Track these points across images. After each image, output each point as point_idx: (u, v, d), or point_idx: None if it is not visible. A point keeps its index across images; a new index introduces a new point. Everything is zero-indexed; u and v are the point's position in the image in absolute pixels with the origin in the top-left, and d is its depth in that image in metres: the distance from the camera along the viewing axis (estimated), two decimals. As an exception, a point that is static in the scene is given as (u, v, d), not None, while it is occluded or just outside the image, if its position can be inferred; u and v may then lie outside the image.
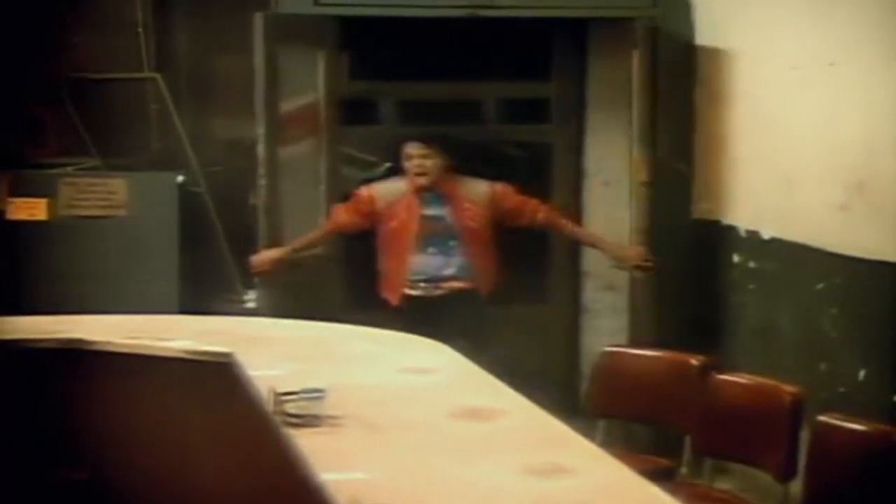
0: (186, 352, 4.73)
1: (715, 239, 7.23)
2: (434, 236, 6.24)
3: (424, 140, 6.24)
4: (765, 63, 6.77)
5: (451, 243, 6.24)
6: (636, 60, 7.03)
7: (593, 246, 6.66)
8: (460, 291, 6.25)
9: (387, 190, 6.37)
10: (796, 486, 4.30)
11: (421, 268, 6.25)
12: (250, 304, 6.85)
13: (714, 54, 7.28)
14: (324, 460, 3.21)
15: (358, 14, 6.75)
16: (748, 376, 4.69)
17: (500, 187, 6.34)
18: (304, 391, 3.62)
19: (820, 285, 6.31)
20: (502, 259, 6.41)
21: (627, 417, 5.21)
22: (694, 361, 4.98)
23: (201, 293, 6.65)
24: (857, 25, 5.94)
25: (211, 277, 6.87)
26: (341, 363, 4.61)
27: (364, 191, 6.42)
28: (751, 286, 6.95)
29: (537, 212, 6.41)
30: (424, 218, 6.23)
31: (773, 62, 6.68)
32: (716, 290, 7.25)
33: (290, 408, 3.57)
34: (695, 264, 7.37)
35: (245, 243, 6.86)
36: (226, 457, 4.53)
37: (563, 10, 7.14)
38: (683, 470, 4.91)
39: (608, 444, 4.39)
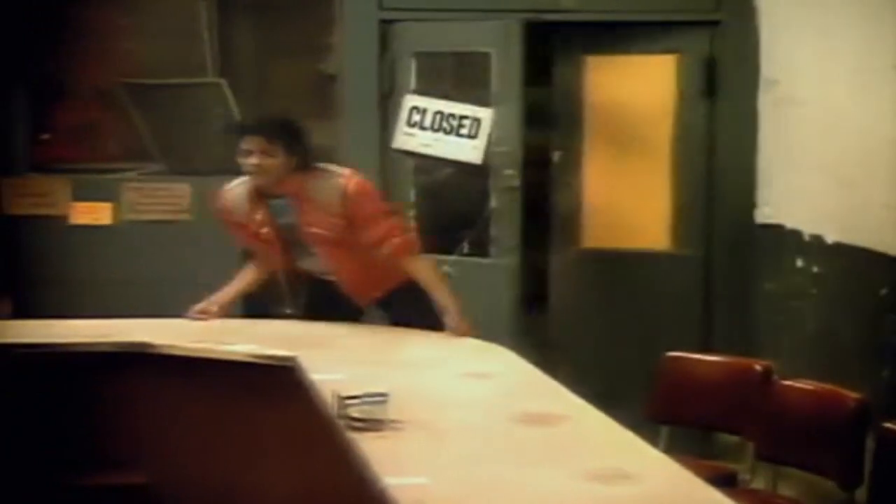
0: (251, 355, 4.77)
1: (778, 243, 7.18)
2: (297, 243, 5.31)
3: (267, 133, 5.07)
4: (828, 66, 6.71)
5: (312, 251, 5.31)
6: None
7: (440, 308, 5.24)
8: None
9: (236, 195, 5.32)
10: (861, 494, 4.27)
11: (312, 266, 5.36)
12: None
13: (778, 56, 7.25)
14: (386, 465, 3.22)
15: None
16: (811, 382, 4.65)
17: (353, 185, 5.11)
18: (367, 395, 3.63)
19: (884, 290, 6.23)
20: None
21: (690, 424, 5.17)
22: (757, 367, 4.96)
23: (263, 298, 6.69)
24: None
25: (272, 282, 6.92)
26: (403, 367, 4.63)
27: (219, 201, 5.43)
28: (814, 290, 6.89)
29: (387, 239, 5.14)
30: (283, 227, 5.26)
31: (837, 65, 6.63)
32: (779, 295, 7.20)
33: (354, 412, 3.59)
34: (758, 268, 7.37)
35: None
36: (289, 461, 4.57)
37: (631, 13, 7.29)
38: (746, 476, 4.89)
39: (672, 450, 4.33)
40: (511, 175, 7.09)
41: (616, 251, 7.40)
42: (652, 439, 4.01)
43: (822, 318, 6.78)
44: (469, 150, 7.18)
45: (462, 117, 7.21)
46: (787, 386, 4.74)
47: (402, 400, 3.75)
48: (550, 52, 7.40)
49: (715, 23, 7.32)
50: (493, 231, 7.26)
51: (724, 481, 4.30)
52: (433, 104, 7.24)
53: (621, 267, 7.32)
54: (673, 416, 5.06)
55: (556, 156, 7.38)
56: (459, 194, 7.45)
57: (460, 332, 5.05)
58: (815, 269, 6.85)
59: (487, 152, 7.15)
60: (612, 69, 7.47)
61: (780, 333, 7.01)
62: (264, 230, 5.23)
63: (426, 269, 5.23)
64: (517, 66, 7.11)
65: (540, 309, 7.34)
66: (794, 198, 7.16)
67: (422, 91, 7.28)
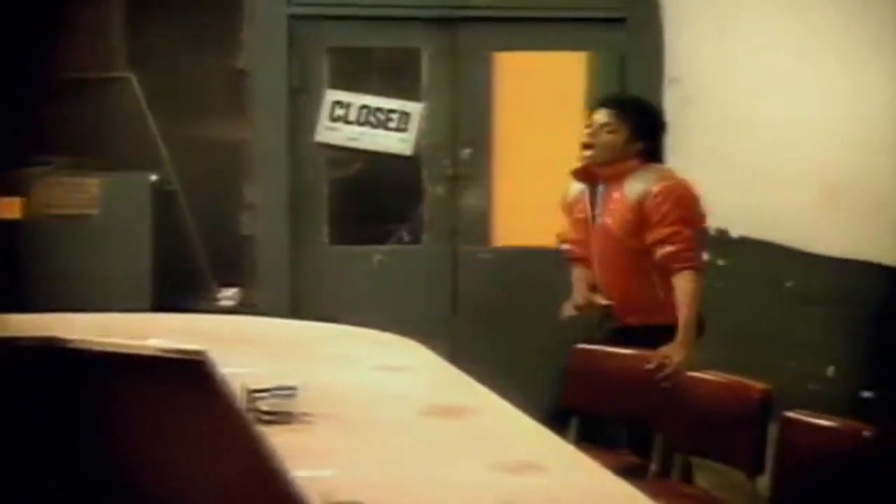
0: (159, 350, 4.71)
1: None
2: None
3: (614, 106, 4.89)
4: (733, 63, 6.78)
5: None
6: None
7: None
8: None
9: (575, 188, 5.15)
10: (765, 482, 4.30)
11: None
12: (226, 303, 6.84)
13: (680, 54, 7.30)
14: (295, 457, 3.18)
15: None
16: (718, 374, 4.67)
17: (661, 186, 4.80)
18: (276, 389, 3.61)
19: (789, 283, 6.37)
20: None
21: (600, 416, 5.16)
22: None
23: (176, 292, 6.63)
24: (831, 25, 6.03)
25: (185, 276, 6.86)
26: (317, 362, 4.62)
27: (564, 192, 5.29)
28: (719, 284, 6.84)
29: (667, 242, 4.81)
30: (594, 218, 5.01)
31: (743, 62, 6.70)
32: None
33: (262, 405, 3.58)
34: None
35: (223, 243, 6.87)
36: (199, 455, 4.53)
37: (540, 10, 7.34)
38: (654, 467, 4.87)
39: (581, 441, 4.45)
40: (446, 165, 7.25)
41: (526, 248, 7.40)
42: (563, 432, 4.13)
43: (730, 310, 6.77)
44: (398, 143, 7.26)
45: (390, 111, 7.29)
46: (695, 378, 4.75)
47: (313, 393, 3.74)
48: (460, 48, 7.47)
49: (622, 20, 7.36)
50: (427, 220, 7.39)
51: (633, 472, 4.30)
52: (358, 99, 7.27)
53: (532, 263, 7.32)
54: (583, 408, 5.05)
55: (464, 153, 7.33)
56: (393, 185, 7.57)
57: (674, 360, 4.72)
58: (721, 263, 6.89)
59: (419, 145, 7.27)
60: (522, 66, 7.48)
61: None
62: (580, 216, 5.07)
63: (690, 289, 4.80)
64: (448, 61, 7.30)
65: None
66: (699, 194, 7.10)
67: (339, 86, 7.29)
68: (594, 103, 4.90)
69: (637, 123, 4.75)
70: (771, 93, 6.53)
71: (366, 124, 7.29)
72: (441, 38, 7.30)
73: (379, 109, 7.29)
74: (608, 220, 4.78)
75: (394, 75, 7.54)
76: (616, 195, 4.77)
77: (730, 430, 4.51)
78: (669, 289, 4.79)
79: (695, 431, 4.68)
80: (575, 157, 5.11)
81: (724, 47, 6.92)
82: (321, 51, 7.24)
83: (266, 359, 4.45)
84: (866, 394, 5.82)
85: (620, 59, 7.45)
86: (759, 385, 4.51)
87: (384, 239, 7.47)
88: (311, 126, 7.17)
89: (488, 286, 7.28)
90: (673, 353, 4.68)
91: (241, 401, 3.67)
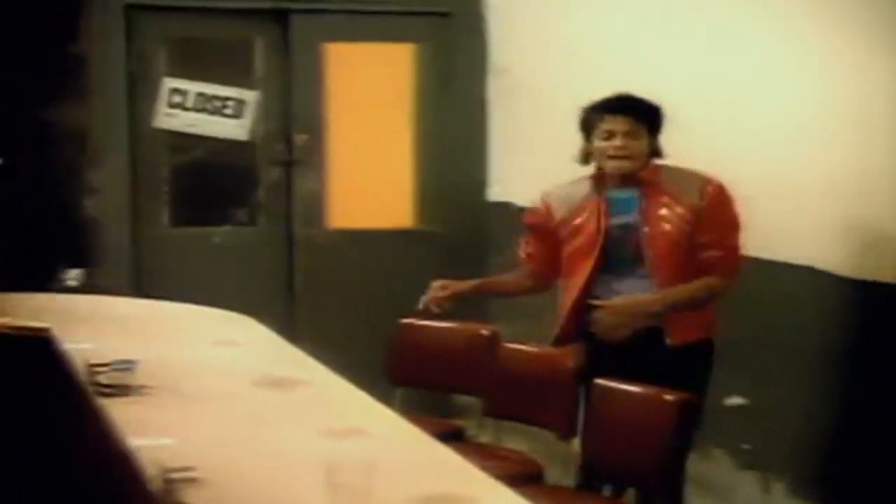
0: (6, 327, 4.72)
1: (509, 219, 7.17)
2: (628, 253, 4.37)
3: (635, 112, 4.34)
4: (554, 51, 6.84)
5: (644, 262, 4.36)
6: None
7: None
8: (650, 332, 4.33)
9: (565, 196, 4.54)
10: (575, 443, 4.50)
11: (616, 293, 4.41)
12: (71, 283, 6.81)
13: (505, 46, 7.37)
14: (133, 428, 3.28)
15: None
16: (534, 344, 4.81)
17: (717, 184, 4.32)
18: (115, 363, 3.65)
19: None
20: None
21: (424, 385, 5.24)
22: (484, 332, 5.10)
23: (21, 273, 6.59)
24: (651, 6, 6.17)
25: (31, 258, 6.81)
26: (156, 337, 4.67)
27: (539, 201, 4.66)
28: None
29: (716, 246, 4.33)
30: (616, 229, 4.37)
31: (562, 49, 6.78)
32: (511, 267, 7.23)
33: (102, 378, 3.62)
34: (491, 242, 7.48)
35: (69, 225, 6.84)
36: (45, 428, 4.55)
37: (368, 3, 7.37)
38: (473, 431, 5.03)
39: (408, 410, 4.41)
40: (281, 150, 7.32)
41: (362, 230, 7.50)
42: (390, 401, 4.22)
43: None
44: (234, 129, 7.28)
45: (226, 98, 7.27)
46: (512, 348, 4.85)
47: (152, 367, 3.83)
48: (292, 39, 7.55)
49: (447, 14, 7.47)
50: (264, 202, 7.44)
51: (452, 436, 4.49)
52: (195, 87, 7.26)
53: (368, 244, 7.44)
54: (408, 378, 5.14)
55: (299, 139, 7.41)
56: (230, 169, 7.56)
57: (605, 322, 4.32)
58: None
59: (254, 131, 7.30)
60: (352, 56, 7.55)
61: (515, 303, 7.08)
62: (587, 231, 4.40)
63: (713, 285, 4.33)
64: (280, 51, 7.34)
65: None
66: (521, 177, 7.28)
67: (176, 74, 7.27)
68: (603, 109, 4.37)
69: (652, 124, 4.33)
70: (588, 79, 6.39)
71: (203, 111, 7.28)
72: (274, 29, 7.34)
73: (215, 97, 7.29)
74: (666, 228, 4.25)
75: (229, 64, 7.52)
76: (664, 200, 4.26)
77: (544, 397, 4.63)
78: None
79: (512, 398, 4.78)
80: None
81: (545, 36, 6.99)
82: (159, 40, 7.24)
83: (108, 335, 4.48)
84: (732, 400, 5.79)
85: (446, 51, 7.56)
86: (672, 395, 4.57)
87: (222, 221, 7.49)
88: (150, 112, 7.17)
89: (323, 266, 7.37)
90: (643, 299, 4.29)
91: (83, 375, 3.72)
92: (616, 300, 4.30)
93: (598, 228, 4.35)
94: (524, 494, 3.00)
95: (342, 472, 2.70)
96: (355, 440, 3.30)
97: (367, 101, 7.56)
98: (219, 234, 7.37)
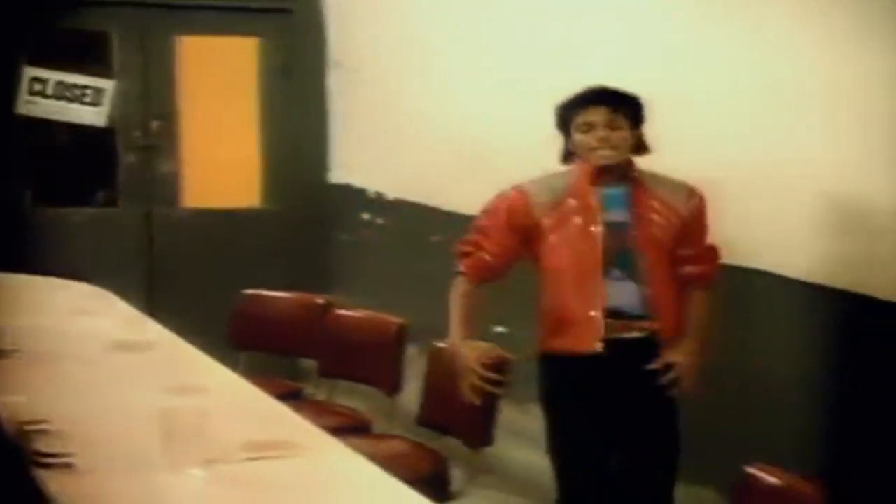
0: None
1: (349, 200, 7.48)
2: (619, 254, 3.75)
3: (612, 103, 3.77)
4: (387, 46, 6.99)
5: (635, 265, 3.75)
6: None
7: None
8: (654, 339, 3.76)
9: (545, 186, 3.85)
10: (402, 399, 4.69)
11: (612, 301, 3.73)
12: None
13: (345, 41, 7.50)
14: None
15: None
16: (363, 311, 4.98)
17: (700, 196, 3.83)
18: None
19: (435, 237, 6.58)
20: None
21: (266, 350, 5.32)
22: (319, 301, 5.22)
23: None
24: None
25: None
26: (20, 307, 4.74)
27: (512, 193, 3.87)
28: (379, 239, 7.24)
29: (704, 261, 3.86)
30: (608, 226, 3.75)
31: (394, 45, 6.91)
32: (352, 243, 7.50)
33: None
34: (333, 221, 7.62)
35: None
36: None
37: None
38: (310, 391, 5.19)
39: (253, 373, 4.54)
40: (138, 136, 7.36)
41: (213, 209, 7.56)
42: (235, 365, 4.38)
43: (384, 260, 7.10)
44: (93, 116, 7.29)
45: (84, 87, 7.26)
46: (344, 315, 5.02)
47: (14, 333, 4.03)
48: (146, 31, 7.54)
49: (288, 10, 7.56)
50: (123, 184, 7.46)
51: (290, 395, 4.60)
52: (54, 76, 7.22)
53: (219, 222, 7.51)
54: (251, 343, 5.24)
55: (154, 124, 7.43)
56: (90, 154, 7.55)
57: (675, 359, 3.71)
58: (379, 221, 7.21)
59: (112, 117, 7.30)
60: (202, 49, 7.58)
61: (354, 275, 7.28)
62: (576, 221, 3.75)
63: (707, 307, 3.85)
64: (136, 43, 7.35)
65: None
66: (360, 161, 7.45)
67: (36, 64, 7.24)
68: (579, 102, 3.80)
69: (633, 115, 3.80)
70: (421, 70, 6.73)
71: (62, 99, 7.25)
72: (130, 22, 7.35)
73: (74, 85, 7.27)
74: (656, 232, 3.73)
75: (88, 55, 7.47)
76: (653, 202, 3.75)
77: (372, 358, 4.80)
78: None
79: (344, 360, 4.93)
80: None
81: (382, 32, 7.08)
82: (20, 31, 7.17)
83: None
84: (499, 328, 5.99)
85: (287, 45, 7.63)
86: (396, 319, 4.81)
87: (84, 202, 7.50)
88: (12, 100, 7.16)
89: (179, 243, 7.43)
90: (677, 355, 3.73)
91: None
92: (682, 359, 3.71)
93: (593, 217, 3.72)
94: (350, 443, 3.21)
95: (179, 421, 2.90)
96: (196, 395, 3.47)
97: (217, 90, 7.59)
98: (80, 214, 7.40)
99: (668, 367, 3.68)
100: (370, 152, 7.31)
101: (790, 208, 4.43)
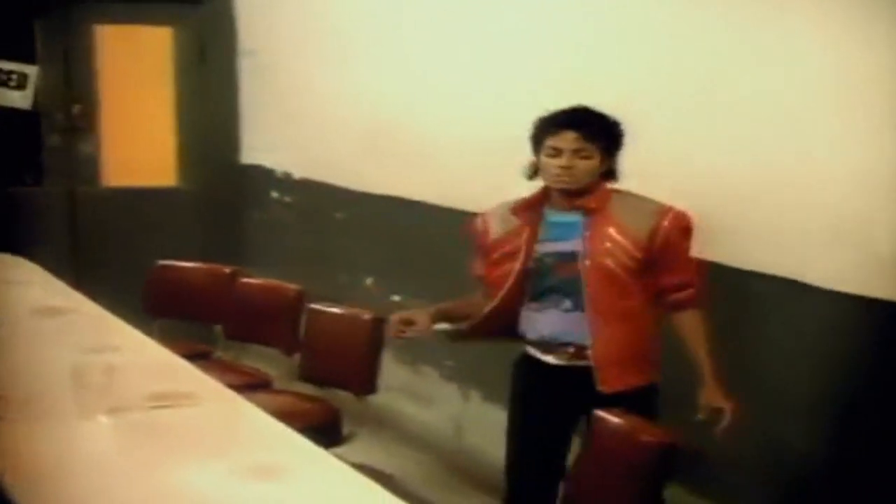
0: None
1: (259, 179, 7.59)
2: (567, 283, 3.51)
3: (585, 129, 3.46)
4: (295, 35, 7.06)
5: (563, 299, 3.53)
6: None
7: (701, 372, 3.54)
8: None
9: (502, 211, 3.68)
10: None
11: (550, 331, 3.58)
12: None
13: (255, 29, 7.58)
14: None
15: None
16: (264, 280, 5.15)
17: (674, 216, 3.49)
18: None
19: (339, 214, 6.75)
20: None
21: (179, 316, 5.41)
22: (226, 269, 5.38)
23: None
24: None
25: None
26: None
27: (478, 217, 3.77)
28: (287, 216, 7.36)
29: (687, 286, 3.54)
30: (553, 256, 3.54)
31: (301, 34, 6.98)
32: (262, 220, 7.63)
33: None
34: (242, 199, 7.74)
35: None
36: None
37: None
38: (219, 353, 5.35)
39: (169, 338, 4.65)
40: (61, 119, 7.41)
41: (132, 188, 7.61)
42: (150, 330, 4.55)
43: (294, 235, 7.23)
44: (19, 100, 7.32)
45: (9, 72, 7.29)
46: (248, 283, 5.19)
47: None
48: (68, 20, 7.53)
49: (200, 2, 7.60)
50: (47, 165, 7.48)
51: (199, 356, 4.76)
52: None
53: (137, 200, 7.57)
54: (164, 310, 5.37)
55: (76, 108, 7.49)
56: (15, 136, 7.46)
57: (717, 405, 3.44)
58: (287, 200, 7.35)
59: (37, 101, 7.32)
60: (120, 37, 7.61)
61: (264, 249, 7.41)
62: (518, 259, 3.57)
63: (701, 324, 3.55)
64: (59, 32, 7.36)
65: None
66: (269, 143, 7.53)
67: None
68: (550, 124, 3.50)
69: (608, 143, 3.49)
70: (325, 56, 6.78)
71: None
72: (51, 11, 7.35)
73: (0, 70, 7.31)
74: (606, 262, 3.44)
75: (13, 42, 7.40)
76: (610, 230, 3.46)
77: (273, 321, 4.95)
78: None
79: (248, 323, 5.10)
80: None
81: (289, 21, 7.09)
82: None
83: None
84: (396, 297, 6.18)
85: (199, 35, 7.66)
86: (294, 286, 5.01)
87: (9, 183, 7.47)
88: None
89: (101, 219, 7.49)
90: (718, 400, 3.44)
91: None
92: (720, 404, 3.43)
93: (528, 253, 3.55)
94: (250, 398, 3.46)
95: (90, 375, 3.16)
96: (108, 354, 3.75)
97: (134, 76, 7.62)
98: (6, 194, 7.37)
99: (716, 412, 3.40)
100: (279, 134, 7.38)
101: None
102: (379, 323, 4.40)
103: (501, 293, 3.59)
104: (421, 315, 3.70)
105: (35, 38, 7.41)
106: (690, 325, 3.53)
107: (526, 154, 3.62)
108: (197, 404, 3.35)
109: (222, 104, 7.73)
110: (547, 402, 3.62)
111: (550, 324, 3.55)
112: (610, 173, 3.54)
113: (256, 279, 5.25)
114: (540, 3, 5.13)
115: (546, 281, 3.53)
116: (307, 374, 4.69)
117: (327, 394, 4.66)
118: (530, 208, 3.58)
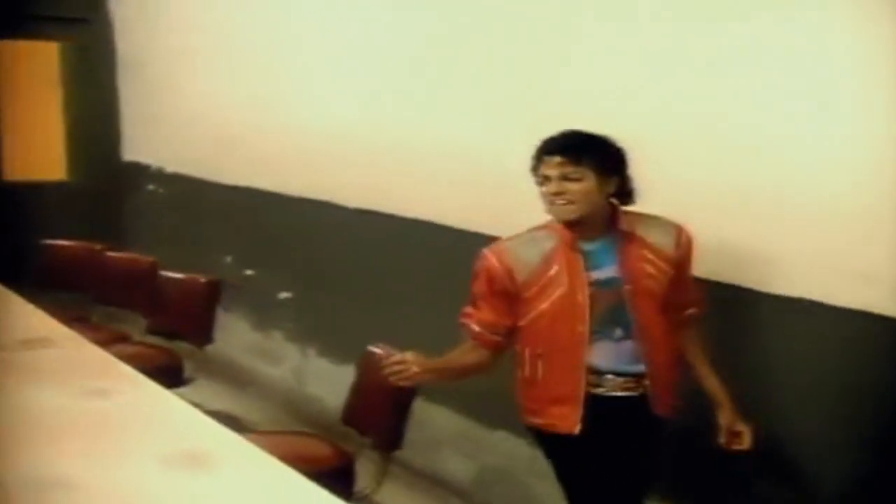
0: None
1: (138, 174, 7.84)
2: (614, 312, 3.14)
3: (569, 152, 3.08)
4: (167, 47, 7.25)
5: (631, 322, 3.15)
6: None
7: (711, 397, 3.28)
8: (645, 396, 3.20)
9: (525, 246, 3.20)
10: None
11: (604, 362, 3.16)
12: None
13: (131, 42, 7.79)
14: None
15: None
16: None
17: (686, 236, 3.21)
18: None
19: (204, 203, 6.96)
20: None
21: (58, 287, 5.48)
22: (96, 246, 5.65)
23: None
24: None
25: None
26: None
27: (490, 257, 3.22)
28: (160, 205, 7.62)
29: (700, 301, 3.30)
30: (598, 285, 3.13)
31: (172, 46, 7.18)
32: (139, 209, 7.86)
33: None
34: (123, 191, 8.00)
35: None
36: None
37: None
38: (94, 318, 5.52)
39: (52, 307, 4.56)
40: None
41: (30, 182, 7.74)
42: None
43: (164, 220, 7.43)
44: None
45: None
46: (111, 256, 5.47)
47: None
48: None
49: (85, 20, 7.88)
50: None
51: (78, 320, 4.81)
52: None
53: (35, 192, 7.67)
54: (49, 283, 5.44)
55: None
56: None
57: (737, 429, 3.19)
58: (161, 191, 7.62)
59: None
60: (16, 51, 7.76)
61: (142, 233, 7.59)
62: (559, 292, 3.12)
63: (702, 338, 3.32)
64: None
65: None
66: (145, 141, 7.76)
67: None
68: (540, 150, 3.12)
69: (601, 164, 3.08)
70: (191, 65, 6.90)
71: None
72: None
73: None
74: (649, 284, 3.12)
75: None
76: (644, 252, 3.13)
77: (133, 288, 5.23)
78: None
79: (112, 291, 5.37)
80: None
81: (159, 35, 7.30)
82: None
83: None
84: (249, 271, 6.42)
85: (83, 48, 7.90)
86: (149, 258, 5.33)
87: None
88: None
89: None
90: (738, 424, 3.21)
91: None
92: (740, 428, 3.20)
93: (579, 285, 3.11)
94: (109, 349, 3.76)
95: None
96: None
97: (30, 84, 7.88)
98: None
99: (736, 434, 3.19)
100: (153, 134, 7.60)
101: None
102: (213, 285, 4.81)
103: (578, 326, 3.10)
104: (416, 360, 3.15)
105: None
106: (696, 343, 3.29)
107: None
108: (59, 347, 3.75)
109: (104, 109, 7.95)
110: (606, 441, 3.16)
111: (601, 356, 3.13)
112: (623, 195, 3.16)
113: (119, 253, 5.54)
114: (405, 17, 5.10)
115: (595, 311, 3.11)
116: (154, 329, 5.06)
117: (174, 345, 5.00)
118: (566, 239, 3.13)
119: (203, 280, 4.96)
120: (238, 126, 6.49)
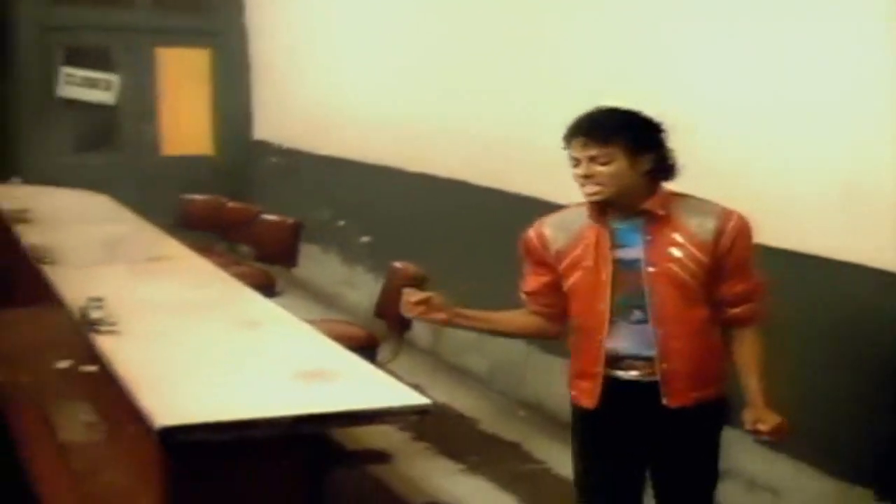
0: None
1: (263, 149, 8.64)
2: (634, 294, 2.84)
3: (595, 134, 2.75)
4: (301, 54, 7.84)
5: (631, 311, 2.85)
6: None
7: (747, 394, 2.88)
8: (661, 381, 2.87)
9: (562, 223, 2.98)
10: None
11: (623, 346, 2.87)
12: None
13: (262, 50, 8.50)
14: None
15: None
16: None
17: (738, 218, 2.82)
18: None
19: (310, 171, 7.65)
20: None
21: (195, 229, 6.06)
22: (222, 200, 6.43)
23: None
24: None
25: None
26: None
27: (530, 229, 3.03)
28: (279, 172, 8.32)
29: (750, 300, 2.87)
30: (620, 264, 2.85)
31: (304, 50, 7.78)
32: (262, 175, 8.67)
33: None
34: (253, 162, 8.81)
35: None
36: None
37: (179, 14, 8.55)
38: (217, 248, 6.04)
39: (185, 240, 5.15)
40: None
41: (184, 155, 8.53)
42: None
43: (286, 181, 7.97)
44: (106, 97, 8.12)
45: (98, 79, 8.11)
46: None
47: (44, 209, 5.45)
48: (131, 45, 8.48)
49: (225, 32, 8.76)
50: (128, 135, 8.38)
51: (233, 263, 5.34)
52: (80, 72, 8.09)
53: (187, 164, 8.35)
54: (197, 227, 6.19)
55: (146, 104, 8.56)
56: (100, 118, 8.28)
57: (764, 428, 2.80)
58: (280, 162, 8.18)
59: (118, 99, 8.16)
60: (177, 57, 8.56)
61: (267, 193, 8.03)
62: (586, 268, 2.87)
63: (756, 344, 2.89)
64: (133, 54, 8.34)
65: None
66: (269, 126, 8.37)
67: (70, 63, 8.14)
68: (568, 133, 2.80)
69: (631, 142, 2.75)
70: (307, 61, 7.46)
71: (84, 86, 8.30)
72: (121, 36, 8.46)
73: (92, 77, 8.30)
74: (672, 268, 2.78)
75: (102, 59, 8.43)
76: (674, 235, 2.79)
77: (279, 244, 5.56)
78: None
79: (263, 245, 5.76)
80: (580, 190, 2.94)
81: (295, 43, 7.80)
82: (61, 47, 8.41)
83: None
84: (364, 239, 6.83)
85: (226, 54, 8.70)
86: (292, 219, 5.64)
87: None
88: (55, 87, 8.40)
89: (160, 177, 8.12)
90: (767, 416, 2.81)
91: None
92: (771, 421, 2.80)
93: (603, 263, 2.85)
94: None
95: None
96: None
97: (186, 82, 8.71)
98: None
99: (758, 432, 2.81)
100: (274, 119, 8.28)
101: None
102: (297, 224, 5.48)
103: (599, 304, 2.84)
104: (438, 300, 2.91)
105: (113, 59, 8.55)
106: (745, 346, 2.87)
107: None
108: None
109: (241, 98, 8.77)
110: (617, 423, 2.90)
111: (620, 337, 2.86)
112: (662, 171, 2.81)
113: (237, 203, 6.35)
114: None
115: (619, 291, 2.84)
116: (257, 256, 5.76)
117: (271, 269, 5.67)
118: (597, 214, 2.86)
119: (290, 221, 5.74)
120: (332, 112, 7.31)
